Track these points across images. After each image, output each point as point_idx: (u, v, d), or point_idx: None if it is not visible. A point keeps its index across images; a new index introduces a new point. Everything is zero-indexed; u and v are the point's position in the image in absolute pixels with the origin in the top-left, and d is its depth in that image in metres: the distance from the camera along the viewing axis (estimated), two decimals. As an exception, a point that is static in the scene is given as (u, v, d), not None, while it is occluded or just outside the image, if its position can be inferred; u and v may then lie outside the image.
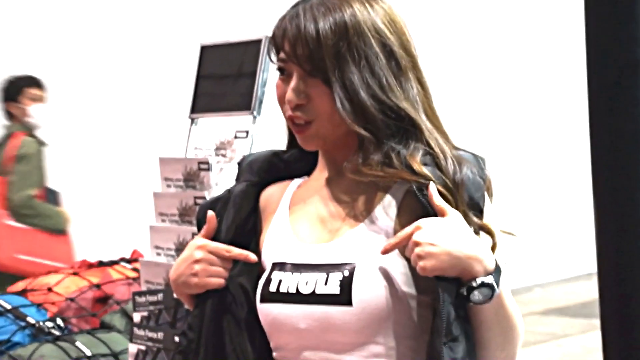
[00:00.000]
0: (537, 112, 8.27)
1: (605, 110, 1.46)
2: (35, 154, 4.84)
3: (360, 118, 1.48)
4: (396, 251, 1.45)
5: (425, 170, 1.46)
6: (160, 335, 2.81)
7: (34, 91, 4.92)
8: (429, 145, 1.49)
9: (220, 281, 1.55)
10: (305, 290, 1.48)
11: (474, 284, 1.41)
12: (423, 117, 1.51)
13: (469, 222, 1.44)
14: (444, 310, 1.40)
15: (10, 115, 4.95)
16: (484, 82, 7.79)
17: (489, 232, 1.47)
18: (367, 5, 1.51)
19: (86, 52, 5.66)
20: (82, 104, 5.64)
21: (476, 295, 1.41)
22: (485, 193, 1.49)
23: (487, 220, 1.48)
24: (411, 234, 1.42)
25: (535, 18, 8.17)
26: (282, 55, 1.52)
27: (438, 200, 1.43)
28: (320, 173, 1.59)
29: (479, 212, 1.47)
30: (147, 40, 5.83)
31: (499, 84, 7.94)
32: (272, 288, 1.51)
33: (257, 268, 1.57)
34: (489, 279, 1.41)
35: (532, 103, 8.24)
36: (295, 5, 1.54)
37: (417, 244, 1.41)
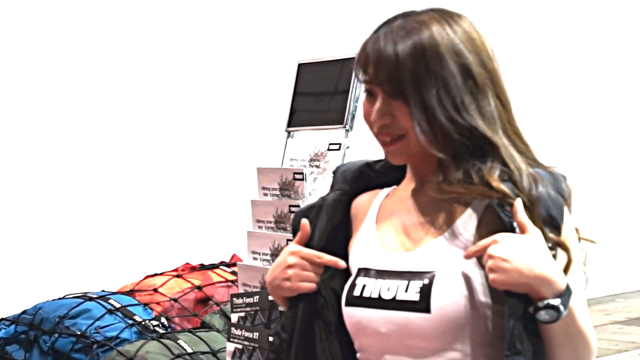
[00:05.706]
0: (622, 123, 8.11)
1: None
2: None
3: (437, 139, 1.51)
4: (475, 261, 1.48)
5: (504, 187, 1.48)
6: (255, 335, 2.87)
7: None
8: (504, 162, 1.51)
9: (312, 286, 1.60)
10: (387, 296, 1.51)
11: (540, 305, 1.42)
12: (500, 132, 1.53)
13: (545, 238, 1.45)
14: (508, 324, 1.42)
15: None
16: (567, 92, 7.69)
17: (565, 249, 1.47)
18: (446, 25, 1.53)
19: (194, 68, 5.82)
20: (191, 117, 5.81)
21: (542, 315, 1.42)
22: (565, 209, 1.50)
23: (565, 236, 1.48)
24: (487, 246, 1.44)
25: (610, 25, 8.00)
26: (366, 77, 1.56)
27: (522, 217, 1.44)
28: (407, 184, 1.62)
29: (556, 229, 1.47)
30: (248, 59, 6.00)
31: (583, 93, 7.78)
32: (357, 292, 1.55)
33: (347, 273, 1.60)
34: (556, 302, 1.41)
35: (622, 116, 8.15)
36: (377, 30, 1.56)
37: (490, 257, 1.43)
